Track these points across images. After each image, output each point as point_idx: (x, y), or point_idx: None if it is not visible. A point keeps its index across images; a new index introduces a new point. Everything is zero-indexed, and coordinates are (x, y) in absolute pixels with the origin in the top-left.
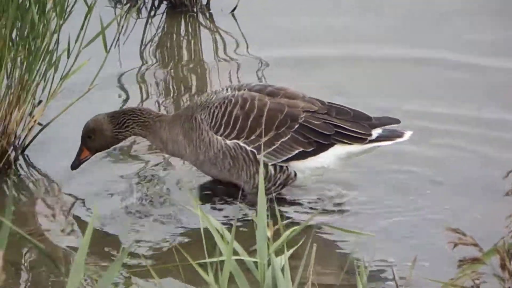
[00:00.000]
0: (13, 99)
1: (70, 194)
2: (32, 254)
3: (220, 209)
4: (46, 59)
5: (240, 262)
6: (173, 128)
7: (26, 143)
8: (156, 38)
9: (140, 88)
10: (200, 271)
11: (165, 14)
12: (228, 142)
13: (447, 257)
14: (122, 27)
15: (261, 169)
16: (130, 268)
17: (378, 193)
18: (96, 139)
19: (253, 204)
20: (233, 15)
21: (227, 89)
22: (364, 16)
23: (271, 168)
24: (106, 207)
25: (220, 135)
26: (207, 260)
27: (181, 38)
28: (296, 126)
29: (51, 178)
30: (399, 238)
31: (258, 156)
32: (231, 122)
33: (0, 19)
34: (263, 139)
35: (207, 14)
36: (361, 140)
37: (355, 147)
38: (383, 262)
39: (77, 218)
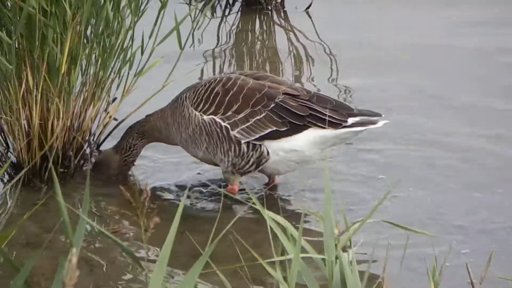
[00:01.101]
0: (88, 96)
1: (148, 190)
2: (109, 251)
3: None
4: (121, 56)
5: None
6: (165, 112)
7: (101, 139)
8: (231, 36)
9: None
10: (269, 269)
11: (239, 12)
12: (205, 117)
13: None
14: (197, 24)
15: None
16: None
17: (448, 189)
18: (106, 171)
19: (231, 188)
20: (307, 13)
21: (220, 74)
22: None
23: (244, 146)
24: (193, 203)
25: (199, 111)
26: (276, 258)
27: (256, 36)
28: (272, 105)
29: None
30: (472, 234)
31: (231, 133)
32: (211, 98)
33: (75, 16)
34: (239, 116)
35: (282, 12)
36: (335, 125)
37: (329, 132)
38: (455, 258)
39: (160, 215)
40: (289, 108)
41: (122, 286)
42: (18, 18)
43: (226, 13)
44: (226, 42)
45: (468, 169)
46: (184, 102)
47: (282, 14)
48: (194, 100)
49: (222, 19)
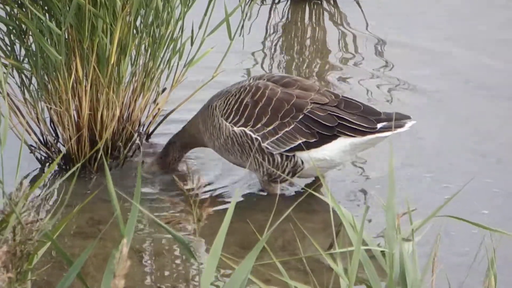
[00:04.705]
0: (138, 87)
1: (202, 180)
2: (158, 241)
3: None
4: (170, 47)
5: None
6: (196, 119)
7: (151, 130)
8: (280, 26)
9: None
10: (330, 262)
11: (289, 1)
12: (235, 129)
13: None
14: (247, 14)
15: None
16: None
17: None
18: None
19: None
20: (357, 3)
21: (249, 79)
22: None
23: (277, 157)
24: (242, 195)
25: (229, 122)
26: (338, 250)
27: (305, 26)
28: (301, 117)
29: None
30: None
31: (262, 145)
32: (240, 110)
33: (125, 7)
34: (268, 128)
35: (332, 2)
36: (363, 133)
37: (357, 139)
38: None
39: (217, 206)
40: (317, 119)
41: (172, 276)
42: (68, 8)
43: (276, 1)
44: (275, 32)
45: None
46: (214, 111)
47: (332, 4)
48: (224, 110)
49: (271, 9)
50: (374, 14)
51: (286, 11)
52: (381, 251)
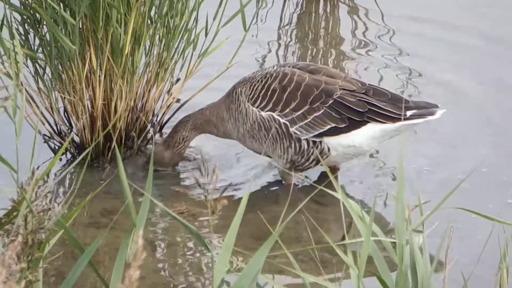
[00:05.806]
0: (152, 77)
1: (217, 172)
2: (171, 232)
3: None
4: (185, 37)
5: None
6: (219, 108)
7: (164, 120)
8: (295, 16)
9: None
10: (340, 253)
11: None
12: (263, 113)
13: None
14: (261, 5)
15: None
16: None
17: None
18: (160, 165)
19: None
20: None
21: (273, 66)
22: None
23: (304, 143)
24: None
25: (257, 107)
26: (348, 241)
27: (320, 16)
28: (330, 102)
29: (189, 156)
30: None
31: (290, 129)
32: (268, 95)
33: None
34: (297, 113)
35: None
36: (394, 119)
37: (388, 126)
38: None
39: (230, 197)
40: (347, 104)
41: (184, 267)
42: None
43: None
44: (290, 22)
45: None
46: (239, 97)
47: None
48: (251, 96)
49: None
50: (389, 3)
51: (301, 2)
52: (392, 243)
